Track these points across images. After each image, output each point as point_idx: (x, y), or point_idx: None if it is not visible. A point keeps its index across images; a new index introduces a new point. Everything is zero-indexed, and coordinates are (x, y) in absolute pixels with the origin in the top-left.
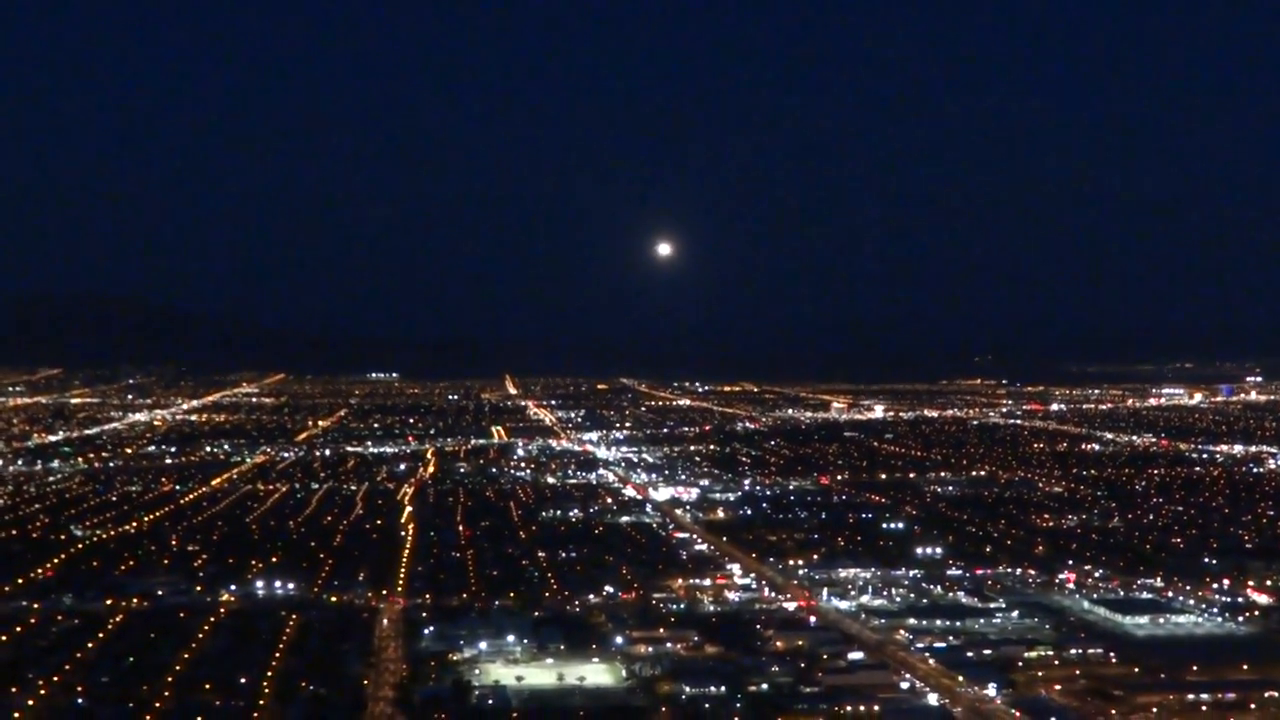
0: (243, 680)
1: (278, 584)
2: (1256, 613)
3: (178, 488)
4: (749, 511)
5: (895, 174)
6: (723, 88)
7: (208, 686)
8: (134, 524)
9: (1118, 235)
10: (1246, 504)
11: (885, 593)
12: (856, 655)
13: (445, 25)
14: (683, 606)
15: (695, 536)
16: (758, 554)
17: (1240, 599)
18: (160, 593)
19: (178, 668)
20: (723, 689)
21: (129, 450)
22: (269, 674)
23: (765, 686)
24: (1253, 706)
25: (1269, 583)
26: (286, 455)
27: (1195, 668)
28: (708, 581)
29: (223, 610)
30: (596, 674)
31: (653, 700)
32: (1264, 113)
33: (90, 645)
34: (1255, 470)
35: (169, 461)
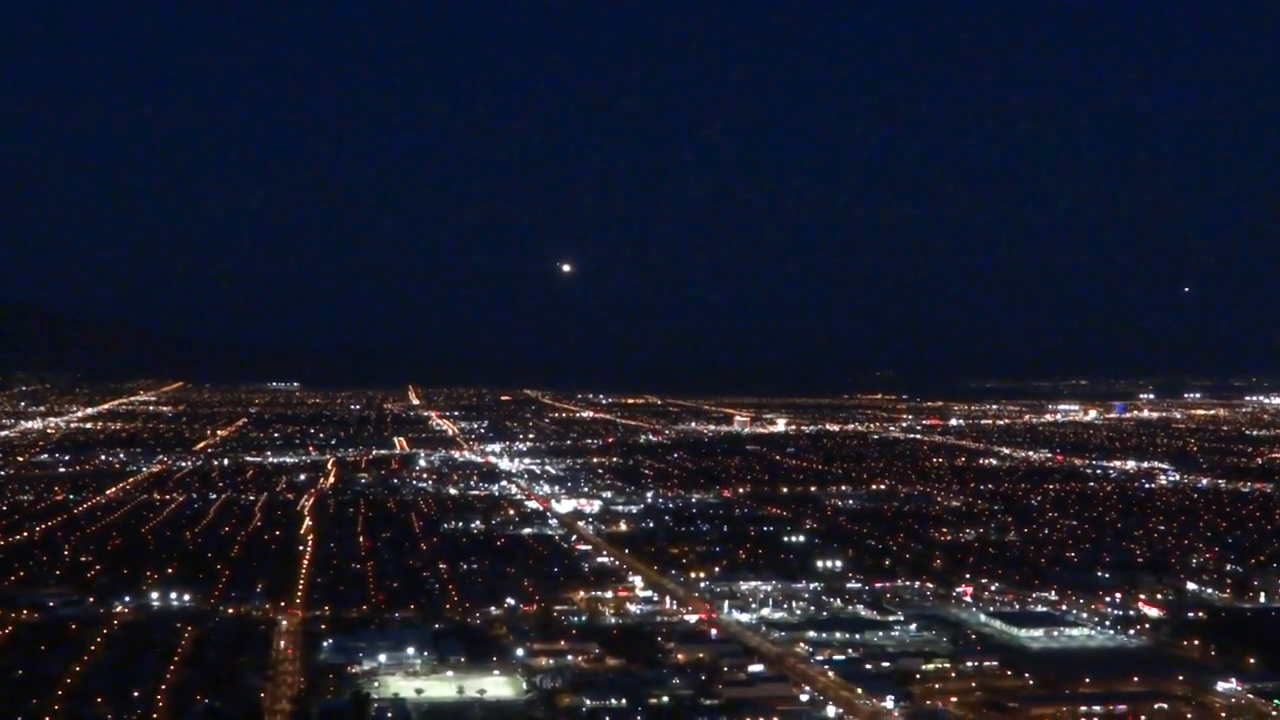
0: (136, 693)
1: (173, 595)
2: (1147, 626)
3: (71, 497)
4: (651, 524)
5: (797, 189)
6: (623, 100)
7: (99, 700)
8: (25, 534)
9: (1015, 254)
10: (1138, 519)
11: (786, 605)
12: (757, 668)
13: (348, 36)
14: (584, 619)
15: (597, 549)
16: (659, 566)
17: (1132, 612)
18: (51, 604)
19: (69, 680)
20: (623, 701)
21: (21, 458)
22: (163, 687)
23: (666, 699)
24: (1143, 718)
25: (1159, 596)
26: (184, 464)
27: (1088, 680)
28: (609, 594)
29: (116, 622)
30: (497, 686)
31: (553, 713)
32: (1163, 135)
33: None
34: (1147, 485)
35: (62, 470)
